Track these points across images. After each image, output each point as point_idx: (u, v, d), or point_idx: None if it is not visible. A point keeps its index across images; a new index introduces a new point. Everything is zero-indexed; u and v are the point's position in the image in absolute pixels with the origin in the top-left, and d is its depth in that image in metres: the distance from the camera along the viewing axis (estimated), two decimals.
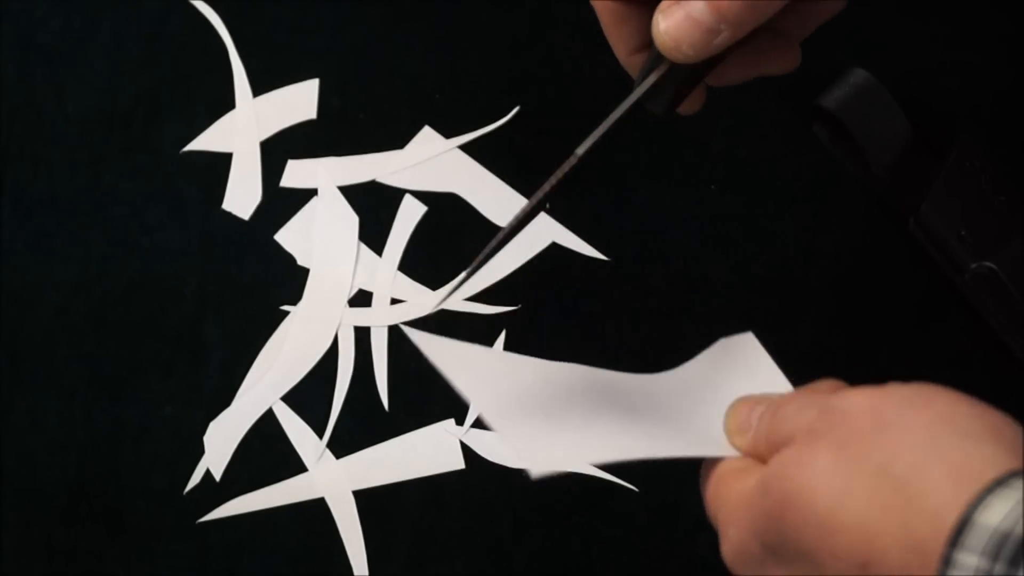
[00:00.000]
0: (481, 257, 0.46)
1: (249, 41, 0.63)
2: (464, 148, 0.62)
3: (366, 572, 0.57)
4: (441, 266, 0.60)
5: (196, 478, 0.58)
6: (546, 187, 0.45)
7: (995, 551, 0.31)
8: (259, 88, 0.63)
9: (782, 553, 0.36)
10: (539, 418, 0.42)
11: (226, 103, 0.63)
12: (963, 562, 0.31)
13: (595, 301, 0.59)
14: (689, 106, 0.47)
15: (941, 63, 0.61)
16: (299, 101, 0.63)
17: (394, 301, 0.60)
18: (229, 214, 0.61)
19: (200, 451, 0.58)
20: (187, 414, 0.59)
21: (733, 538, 0.39)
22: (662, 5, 0.41)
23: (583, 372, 0.46)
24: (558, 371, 0.46)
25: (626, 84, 0.60)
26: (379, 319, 0.60)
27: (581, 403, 0.44)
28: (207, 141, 0.62)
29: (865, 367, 0.58)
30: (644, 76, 0.44)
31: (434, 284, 0.60)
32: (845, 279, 0.59)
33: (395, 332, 0.59)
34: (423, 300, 0.60)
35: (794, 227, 0.60)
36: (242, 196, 0.62)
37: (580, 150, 0.44)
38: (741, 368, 0.46)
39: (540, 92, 0.62)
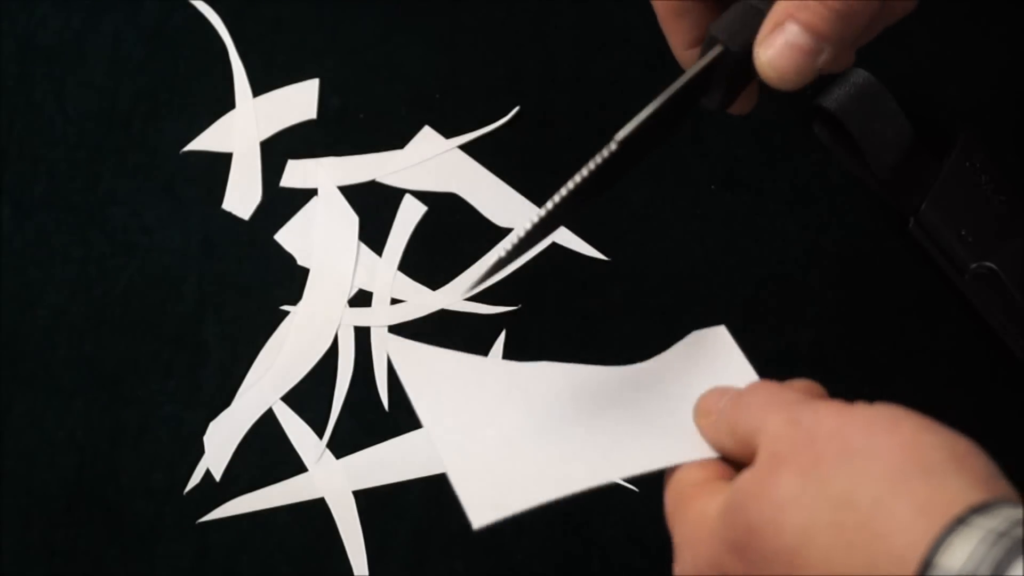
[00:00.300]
0: (512, 247, 0.44)
1: (249, 41, 0.63)
2: (464, 148, 0.62)
3: (366, 572, 0.57)
4: (441, 266, 0.60)
5: (196, 478, 0.58)
6: (581, 175, 0.41)
7: None
8: (259, 88, 0.63)
9: None
10: (492, 459, 0.41)
11: (226, 103, 0.63)
12: None
13: (595, 301, 0.59)
14: (741, 106, 0.46)
15: (941, 63, 0.61)
16: (299, 101, 0.63)
17: (394, 301, 0.60)
18: (229, 214, 0.61)
19: (200, 451, 0.58)
20: (187, 414, 0.59)
21: (688, 563, 0.38)
22: (760, 36, 0.41)
23: (552, 371, 0.46)
24: (524, 373, 0.45)
25: (624, 85, 0.60)
26: (379, 319, 0.60)
27: (544, 421, 0.43)
28: (207, 141, 0.62)
29: (865, 367, 0.58)
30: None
31: (434, 284, 0.60)
32: (845, 279, 0.59)
33: (395, 332, 0.59)
34: (423, 300, 0.60)
35: (794, 227, 0.60)
36: (242, 196, 0.62)
37: (620, 135, 0.41)
38: (712, 361, 0.45)
39: (540, 92, 0.62)
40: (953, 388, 0.58)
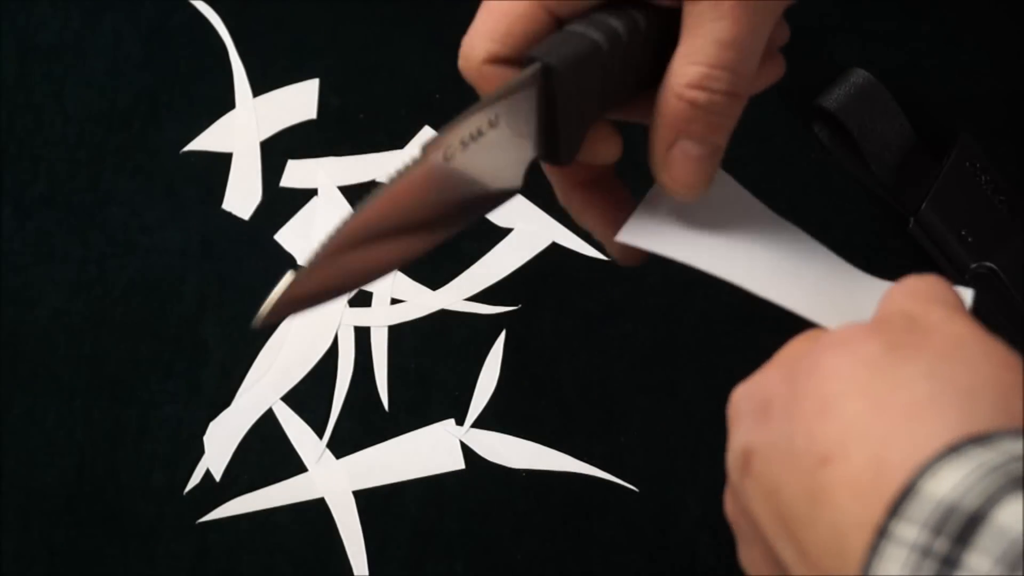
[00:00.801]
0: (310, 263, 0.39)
1: (249, 41, 0.63)
2: None
3: (366, 572, 0.57)
4: (441, 266, 0.60)
5: (196, 478, 0.58)
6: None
7: (939, 524, 0.28)
8: (259, 88, 0.63)
9: (775, 407, 0.35)
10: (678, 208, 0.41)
11: (226, 103, 0.63)
12: (901, 534, 0.28)
13: (595, 301, 0.59)
14: (598, 153, 0.41)
15: (941, 63, 0.61)
16: (299, 101, 0.63)
17: (394, 301, 0.60)
18: (229, 214, 0.61)
19: (200, 451, 0.58)
20: (187, 414, 0.59)
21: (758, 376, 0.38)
22: (656, 158, 0.39)
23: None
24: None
25: None
26: (379, 319, 0.60)
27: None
28: (207, 141, 0.62)
29: None
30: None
31: (434, 284, 0.60)
32: None
33: (395, 332, 0.59)
34: (423, 300, 0.60)
35: None
36: (242, 196, 0.62)
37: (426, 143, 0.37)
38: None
39: None
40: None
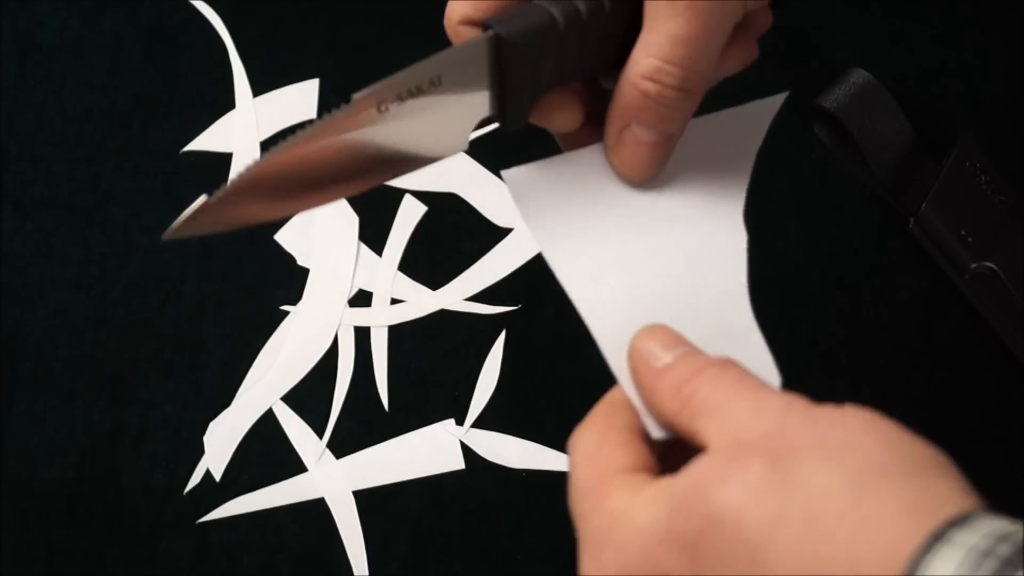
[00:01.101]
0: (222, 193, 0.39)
1: (249, 41, 0.63)
2: None
3: (366, 572, 0.57)
4: (441, 266, 0.60)
5: (196, 478, 0.58)
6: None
7: None
8: (259, 88, 0.63)
9: None
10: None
11: (226, 103, 0.63)
12: None
13: None
14: (558, 120, 0.42)
15: (941, 63, 0.61)
16: (299, 101, 0.63)
17: (394, 301, 0.60)
18: None
19: (200, 451, 0.58)
20: (187, 414, 0.59)
21: (608, 562, 0.34)
22: (608, 141, 0.41)
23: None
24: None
25: None
26: (379, 319, 0.60)
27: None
28: (207, 141, 0.62)
29: (865, 367, 0.58)
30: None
31: (434, 284, 0.60)
32: (845, 279, 0.59)
33: (395, 332, 0.59)
34: (423, 300, 0.60)
35: (794, 227, 0.60)
36: None
37: (357, 95, 0.38)
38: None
39: None
40: (953, 388, 0.58)
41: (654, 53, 0.38)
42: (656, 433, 0.37)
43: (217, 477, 0.58)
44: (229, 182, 0.37)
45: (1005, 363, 0.57)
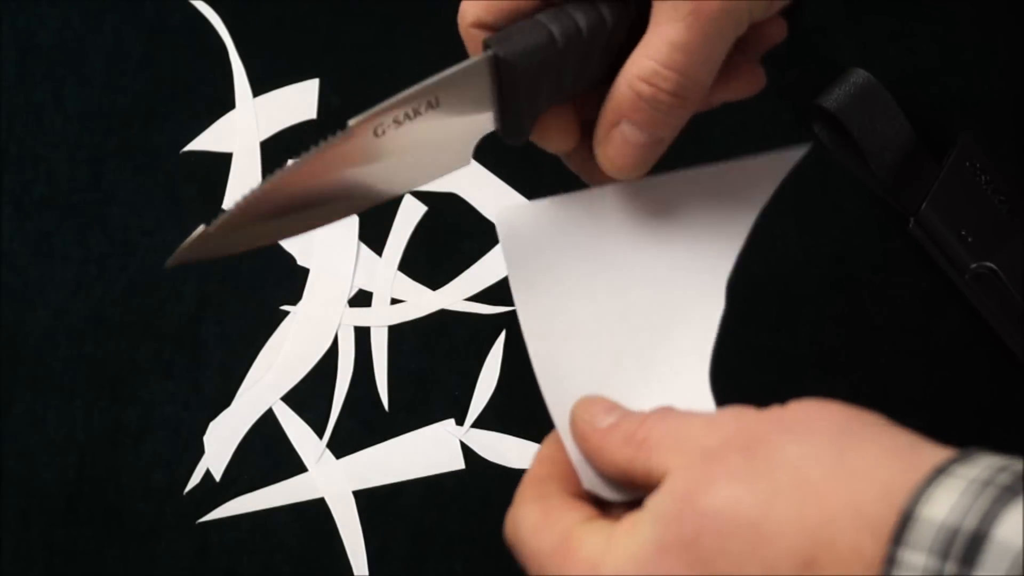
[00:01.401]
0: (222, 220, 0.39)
1: (249, 41, 0.63)
2: None
3: (366, 572, 0.57)
4: (441, 266, 0.60)
5: (196, 478, 0.58)
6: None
7: (944, 548, 0.28)
8: (259, 88, 0.63)
9: None
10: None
11: (226, 103, 0.63)
12: (909, 561, 0.29)
13: None
14: (555, 140, 0.42)
15: (941, 63, 0.61)
16: (299, 101, 0.63)
17: (394, 301, 0.60)
18: None
19: (200, 451, 0.58)
20: (187, 414, 0.59)
21: None
22: (597, 136, 0.40)
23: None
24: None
25: None
26: (379, 319, 0.60)
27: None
28: (207, 141, 0.62)
29: (865, 367, 0.58)
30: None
31: (434, 284, 0.60)
32: (845, 279, 0.59)
33: (395, 332, 0.59)
34: (423, 300, 0.60)
35: (794, 227, 0.60)
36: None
37: (352, 120, 0.38)
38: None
39: None
40: (953, 388, 0.58)
41: (653, 56, 0.38)
42: (604, 492, 0.38)
43: (217, 477, 0.58)
44: (227, 210, 0.38)
45: (1005, 363, 0.57)
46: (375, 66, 0.63)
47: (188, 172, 0.62)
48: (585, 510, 0.37)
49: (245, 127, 0.62)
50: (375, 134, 0.38)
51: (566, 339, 0.41)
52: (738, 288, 0.60)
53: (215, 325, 0.60)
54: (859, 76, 0.59)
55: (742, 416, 0.34)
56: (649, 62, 0.38)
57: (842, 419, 0.33)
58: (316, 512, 0.57)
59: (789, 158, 0.43)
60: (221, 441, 0.58)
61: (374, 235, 0.61)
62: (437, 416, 0.58)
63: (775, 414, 0.34)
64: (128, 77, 0.63)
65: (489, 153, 0.62)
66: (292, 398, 0.59)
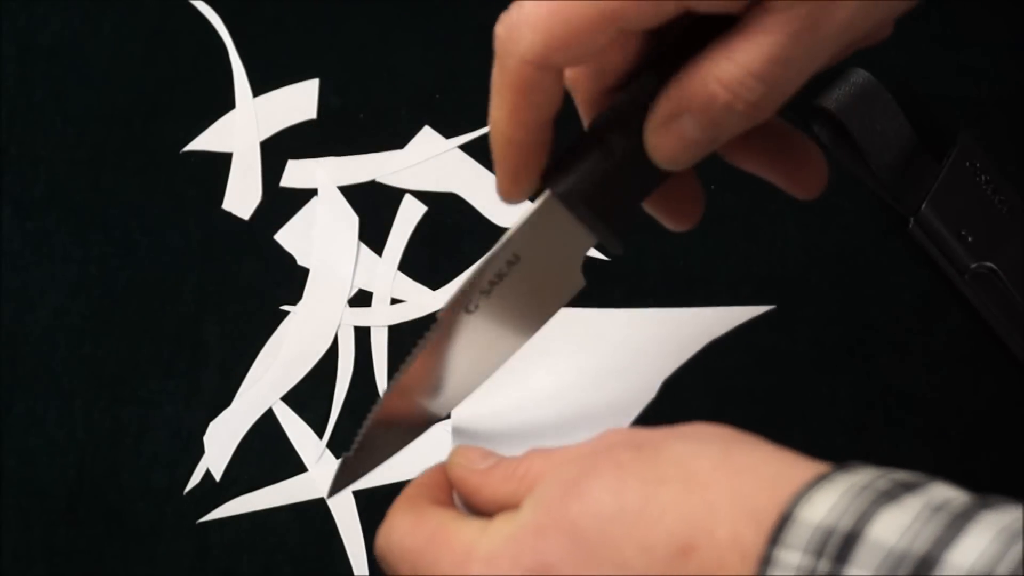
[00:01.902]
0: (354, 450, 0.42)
1: (249, 41, 0.63)
2: (464, 148, 0.62)
3: (366, 572, 0.57)
4: (441, 266, 0.60)
5: (196, 478, 0.58)
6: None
7: (819, 547, 0.28)
8: (259, 88, 0.63)
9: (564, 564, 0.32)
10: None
11: (226, 103, 0.63)
12: (784, 560, 0.29)
13: (595, 301, 0.59)
14: (676, 219, 0.41)
15: (941, 63, 0.61)
16: (299, 101, 0.63)
17: (394, 301, 0.60)
18: (229, 214, 0.61)
19: (200, 451, 0.58)
20: (187, 414, 0.59)
21: None
22: (653, 121, 0.36)
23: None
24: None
25: None
26: (379, 319, 0.60)
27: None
28: (207, 141, 0.62)
29: (865, 367, 0.58)
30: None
31: (434, 284, 0.60)
32: (845, 279, 0.59)
33: (395, 332, 0.59)
34: (423, 300, 0.60)
35: (794, 227, 0.60)
36: (242, 196, 0.62)
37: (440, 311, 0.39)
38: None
39: None
40: (953, 388, 0.58)
41: (741, 62, 0.34)
42: None
43: (217, 477, 0.58)
44: (357, 439, 0.41)
45: (1005, 363, 0.57)
46: (375, 66, 0.63)
47: (188, 172, 0.62)
48: (459, 511, 0.37)
49: (245, 127, 0.62)
50: (467, 311, 0.38)
51: (488, 414, 0.42)
52: (738, 288, 0.60)
53: (215, 325, 0.60)
54: (859, 76, 0.59)
55: (629, 430, 0.35)
56: (735, 68, 0.34)
57: (730, 432, 0.33)
58: (316, 512, 0.57)
59: (747, 312, 0.44)
60: (221, 441, 0.58)
61: (374, 235, 0.61)
62: None
63: (663, 429, 0.34)
64: (128, 77, 0.63)
65: (489, 153, 0.62)
66: (292, 398, 0.59)
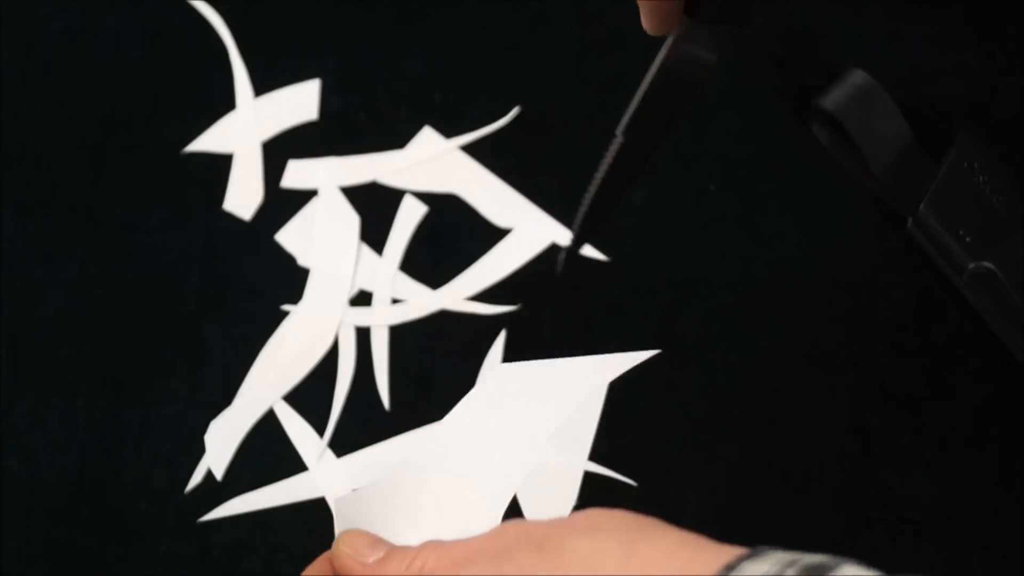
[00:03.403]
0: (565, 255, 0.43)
1: (250, 41, 0.64)
2: (464, 148, 0.62)
3: None
4: (441, 266, 0.60)
5: (197, 477, 0.58)
6: (597, 179, 0.41)
7: None
8: (260, 88, 0.63)
9: None
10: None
11: (227, 103, 0.63)
12: None
13: (595, 301, 0.59)
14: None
15: (941, 63, 0.62)
16: (300, 101, 0.63)
17: (395, 301, 0.60)
18: (230, 214, 0.62)
19: (201, 450, 0.58)
20: (188, 413, 0.59)
21: None
22: None
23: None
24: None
25: (624, 86, 0.60)
26: (379, 319, 0.60)
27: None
28: (208, 142, 0.62)
29: (865, 367, 0.58)
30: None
31: (434, 284, 0.60)
32: (845, 279, 0.59)
33: (395, 332, 0.60)
34: (423, 300, 0.60)
35: (794, 227, 0.60)
36: (243, 196, 0.62)
37: (619, 130, 0.41)
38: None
39: (540, 92, 0.62)
40: (952, 388, 0.58)
41: None
42: None
43: (218, 476, 0.58)
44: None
45: (1003, 363, 0.58)
46: (376, 66, 0.63)
47: (189, 173, 0.62)
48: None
49: (246, 127, 0.63)
50: None
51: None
52: (738, 288, 0.60)
53: (216, 325, 0.60)
54: (858, 76, 0.59)
55: (525, 523, 0.35)
56: None
57: (629, 520, 0.33)
58: (317, 511, 0.58)
59: (635, 358, 0.44)
60: (222, 440, 0.58)
61: (374, 235, 0.61)
62: (437, 416, 0.58)
63: (560, 519, 0.34)
64: (129, 78, 0.63)
65: (489, 153, 0.62)
66: (293, 398, 0.59)
